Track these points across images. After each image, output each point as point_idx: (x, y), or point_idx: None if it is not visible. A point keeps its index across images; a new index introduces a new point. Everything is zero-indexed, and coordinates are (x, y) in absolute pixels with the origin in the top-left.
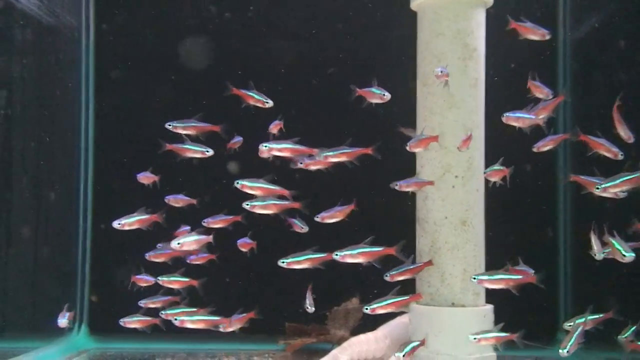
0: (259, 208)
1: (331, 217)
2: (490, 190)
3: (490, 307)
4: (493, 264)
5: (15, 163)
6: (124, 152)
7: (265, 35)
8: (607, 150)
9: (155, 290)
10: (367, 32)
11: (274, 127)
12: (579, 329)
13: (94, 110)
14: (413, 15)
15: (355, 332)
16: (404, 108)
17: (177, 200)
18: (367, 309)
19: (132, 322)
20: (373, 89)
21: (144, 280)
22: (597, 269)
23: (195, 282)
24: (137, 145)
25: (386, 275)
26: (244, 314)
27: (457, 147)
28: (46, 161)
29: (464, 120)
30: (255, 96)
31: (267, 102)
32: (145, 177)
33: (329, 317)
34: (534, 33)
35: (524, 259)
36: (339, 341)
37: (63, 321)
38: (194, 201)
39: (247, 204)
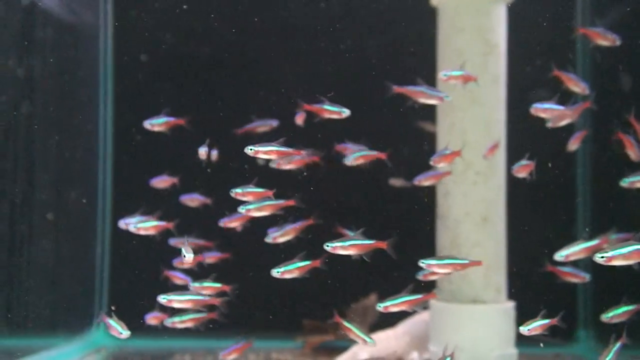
0: (254, 211)
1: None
2: (511, 189)
3: (511, 303)
4: (515, 260)
5: (37, 161)
6: (143, 151)
7: (285, 32)
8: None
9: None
10: (388, 27)
11: (299, 118)
12: (618, 346)
13: (112, 108)
14: (433, 11)
15: (373, 329)
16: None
17: (192, 200)
18: (380, 306)
19: (183, 321)
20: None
21: (178, 277)
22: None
23: (227, 288)
24: (156, 144)
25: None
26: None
27: (483, 154)
28: (67, 159)
29: (485, 116)
30: (330, 108)
31: (343, 112)
32: (161, 181)
33: (347, 314)
34: (604, 39)
35: (545, 255)
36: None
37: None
38: (208, 201)
39: (242, 209)
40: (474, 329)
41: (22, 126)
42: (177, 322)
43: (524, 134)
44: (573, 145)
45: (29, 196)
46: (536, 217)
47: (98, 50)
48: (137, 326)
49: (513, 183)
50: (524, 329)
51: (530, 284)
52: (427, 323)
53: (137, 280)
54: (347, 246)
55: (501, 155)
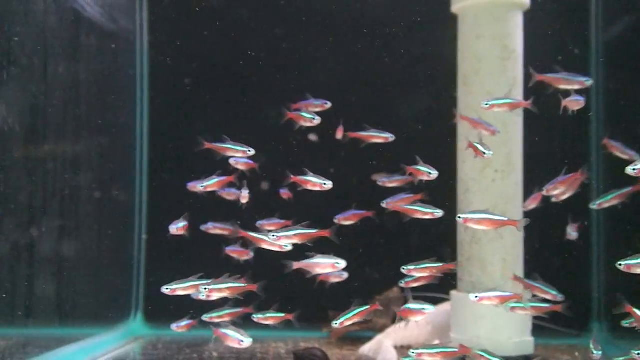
0: (285, 239)
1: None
2: (527, 184)
3: (529, 295)
4: (531, 254)
5: (82, 160)
6: (177, 151)
7: (311, 38)
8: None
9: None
10: (409, 33)
11: (339, 132)
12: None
13: (148, 110)
14: (454, 18)
15: (396, 320)
16: (444, 106)
17: (230, 194)
18: (336, 323)
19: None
20: None
21: (239, 252)
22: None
23: (254, 287)
24: (190, 145)
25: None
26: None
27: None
28: (107, 158)
29: (503, 118)
30: (375, 134)
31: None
32: (195, 186)
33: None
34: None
35: (559, 249)
36: (381, 329)
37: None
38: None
39: (273, 235)
40: (493, 318)
41: (70, 127)
42: (214, 317)
43: (539, 133)
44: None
45: (75, 193)
46: (552, 212)
47: (135, 55)
48: (172, 316)
49: (530, 179)
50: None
51: (546, 276)
52: (448, 313)
53: (172, 272)
54: (292, 235)
55: (519, 153)
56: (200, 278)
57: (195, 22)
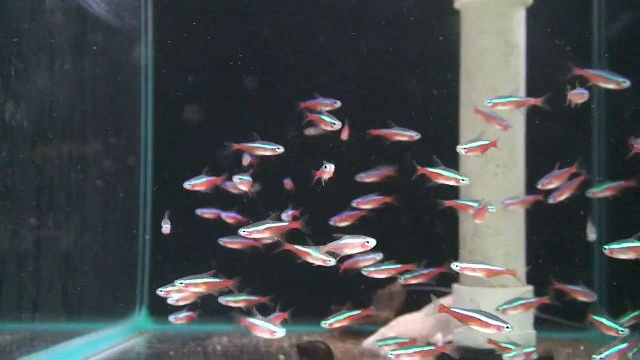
0: (256, 233)
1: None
2: (530, 179)
3: (530, 288)
4: (533, 249)
5: (88, 156)
6: (182, 148)
7: (315, 33)
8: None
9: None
10: (412, 29)
11: (345, 132)
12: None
13: (153, 106)
14: (457, 13)
15: (399, 314)
16: (447, 102)
17: (236, 188)
18: (325, 324)
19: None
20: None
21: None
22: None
23: (229, 283)
24: (195, 141)
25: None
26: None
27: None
28: (113, 155)
29: (505, 114)
30: (400, 132)
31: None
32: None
33: (374, 299)
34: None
35: (562, 242)
36: (384, 322)
37: None
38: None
39: (244, 231)
40: (496, 311)
41: (75, 124)
42: (231, 301)
43: (542, 129)
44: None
45: (81, 189)
46: (554, 207)
47: (140, 52)
48: (177, 311)
49: (532, 174)
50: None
51: (549, 270)
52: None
53: (177, 267)
54: (262, 230)
55: (521, 148)
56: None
57: (200, 18)
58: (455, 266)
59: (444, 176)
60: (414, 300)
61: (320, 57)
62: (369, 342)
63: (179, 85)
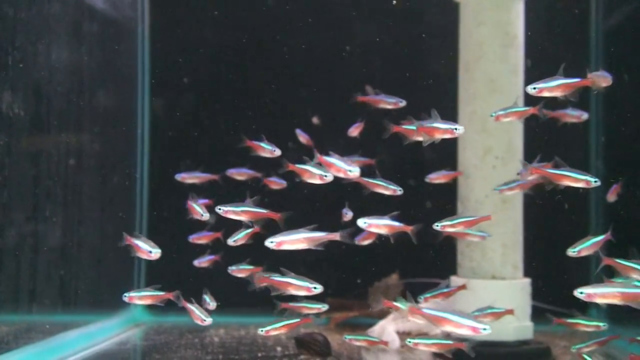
0: (232, 214)
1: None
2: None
3: (527, 280)
4: (531, 243)
5: (84, 147)
6: (178, 141)
7: (308, 25)
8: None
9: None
10: (411, 20)
11: (355, 130)
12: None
13: (149, 99)
14: (456, 6)
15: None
16: (446, 93)
17: (241, 174)
18: (261, 331)
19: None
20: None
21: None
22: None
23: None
24: (191, 134)
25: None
26: None
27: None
28: (109, 146)
29: (504, 105)
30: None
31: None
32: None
33: (370, 292)
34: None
35: (559, 235)
36: (380, 315)
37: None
38: (259, 174)
39: (220, 208)
40: (493, 303)
41: (71, 115)
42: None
43: (540, 121)
44: (611, 197)
45: (78, 181)
46: (552, 200)
47: (136, 42)
48: (173, 303)
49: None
50: None
51: (547, 262)
52: (450, 300)
53: (173, 259)
54: (239, 211)
55: (519, 140)
56: None
57: (196, 10)
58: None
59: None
60: (410, 293)
61: (318, 46)
62: (369, 333)
63: (175, 76)
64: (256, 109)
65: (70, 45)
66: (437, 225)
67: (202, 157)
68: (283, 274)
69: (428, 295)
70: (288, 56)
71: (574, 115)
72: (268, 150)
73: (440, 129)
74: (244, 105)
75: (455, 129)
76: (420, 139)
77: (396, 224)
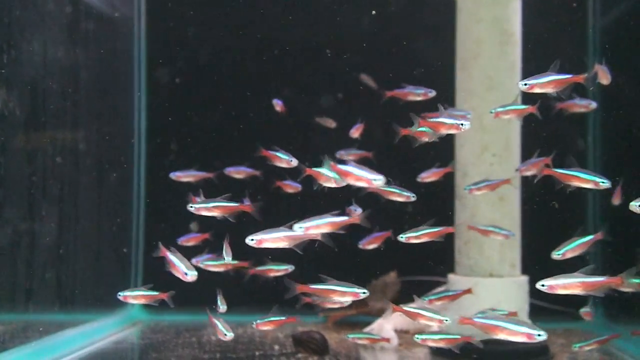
0: (204, 210)
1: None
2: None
3: (525, 277)
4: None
5: (81, 145)
6: (174, 139)
7: (303, 21)
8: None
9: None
10: (408, 17)
11: (355, 131)
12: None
13: (146, 97)
14: (452, 3)
15: (394, 303)
16: (444, 90)
17: (239, 172)
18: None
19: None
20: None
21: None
22: (621, 245)
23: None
24: (187, 132)
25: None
26: None
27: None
28: (106, 144)
29: (501, 102)
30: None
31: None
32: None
33: (367, 289)
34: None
35: (556, 232)
36: (378, 313)
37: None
38: (257, 172)
39: (191, 207)
40: (490, 300)
41: (68, 113)
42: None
43: (537, 118)
44: (616, 200)
45: (75, 179)
46: (549, 198)
47: (133, 41)
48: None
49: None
50: None
51: (544, 259)
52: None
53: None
54: (210, 207)
55: (516, 138)
56: None
57: (193, 9)
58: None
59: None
60: (408, 291)
61: (315, 43)
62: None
63: (172, 76)
64: (253, 107)
65: (66, 42)
66: (402, 237)
67: (199, 155)
68: (324, 281)
69: (433, 297)
70: (286, 55)
71: (582, 105)
72: (285, 160)
73: (446, 124)
74: (241, 104)
75: (461, 124)
76: (428, 139)
77: (338, 219)
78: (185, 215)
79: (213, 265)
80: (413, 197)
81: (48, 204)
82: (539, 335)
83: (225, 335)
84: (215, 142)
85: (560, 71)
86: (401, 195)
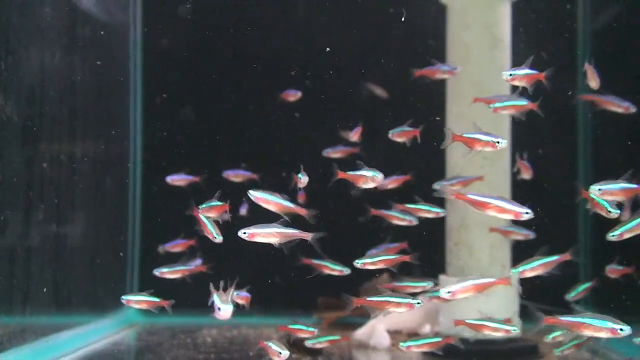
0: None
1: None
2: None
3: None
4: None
5: (77, 150)
6: (170, 143)
7: (296, 28)
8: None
9: None
10: (398, 23)
11: (354, 134)
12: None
13: (142, 102)
14: (443, 8)
15: None
16: (434, 93)
17: (237, 175)
18: None
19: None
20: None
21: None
22: (615, 245)
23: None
24: (183, 136)
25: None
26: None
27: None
28: (102, 148)
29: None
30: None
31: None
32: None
33: (361, 292)
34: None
35: (548, 236)
36: (371, 314)
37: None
38: (255, 176)
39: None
40: (481, 301)
41: (65, 117)
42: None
43: (527, 122)
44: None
45: (71, 182)
46: (538, 199)
47: (129, 46)
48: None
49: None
50: None
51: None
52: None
53: (166, 261)
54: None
55: (507, 140)
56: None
57: (189, 15)
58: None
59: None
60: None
61: (310, 48)
62: (359, 333)
63: (168, 80)
64: (251, 111)
65: (62, 48)
66: (358, 263)
67: (196, 160)
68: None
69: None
70: (284, 59)
71: (622, 106)
72: (370, 177)
73: (482, 140)
74: (238, 108)
75: (498, 141)
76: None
77: (286, 230)
78: (182, 216)
79: (168, 272)
80: (415, 221)
81: (45, 207)
82: (622, 329)
83: (280, 354)
84: (212, 145)
85: (532, 67)
86: (403, 220)
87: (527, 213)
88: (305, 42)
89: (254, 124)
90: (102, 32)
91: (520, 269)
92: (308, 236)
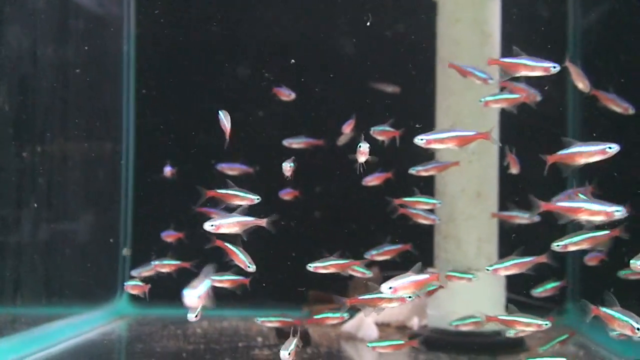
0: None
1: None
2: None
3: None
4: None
5: (70, 142)
6: (163, 137)
7: (289, 21)
8: (617, 105)
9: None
10: (390, 19)
11: (347, 127)
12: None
13: (134, 96)
14: (433, 5)
15: None
16: (424, 89)
17: (233, 169)
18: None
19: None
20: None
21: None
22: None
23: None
24: (176, 131)
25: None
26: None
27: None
28: (95, 140)
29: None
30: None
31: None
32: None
33: (350, 285)
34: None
35: (536, 229)
36: (360, 307)
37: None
38: (251, 170)
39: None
40: (468, 295)
41: (58, 109)
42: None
43: (515, 116)
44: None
45: (62, 175)
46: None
47: (122, 39)
48: (157, 296)
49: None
50: None
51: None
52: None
53: (157, 254)
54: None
55: (494, 136)
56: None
57: (182, 8)
58: None
59: None
60: None
61: (303, 43)
62: (347, 326)
63: (161, 74)
64: (244, 105)
65: (55, 41)
66: (311, 267)
67: (189, 153)
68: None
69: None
70: (278, 53)
71: (622, 106)
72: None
73: (585, 152)
74: (232, 102)
75: (609, 147)
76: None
77: (246, 219)
78: (174, 209)
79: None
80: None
81: (36, 199)
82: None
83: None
84: (205, 140)
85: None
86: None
87: (618, 211)
88: (301, 35)
89: (250, 116)
90: (94, 25)
91: (494, 267)
92: (263, 222)
